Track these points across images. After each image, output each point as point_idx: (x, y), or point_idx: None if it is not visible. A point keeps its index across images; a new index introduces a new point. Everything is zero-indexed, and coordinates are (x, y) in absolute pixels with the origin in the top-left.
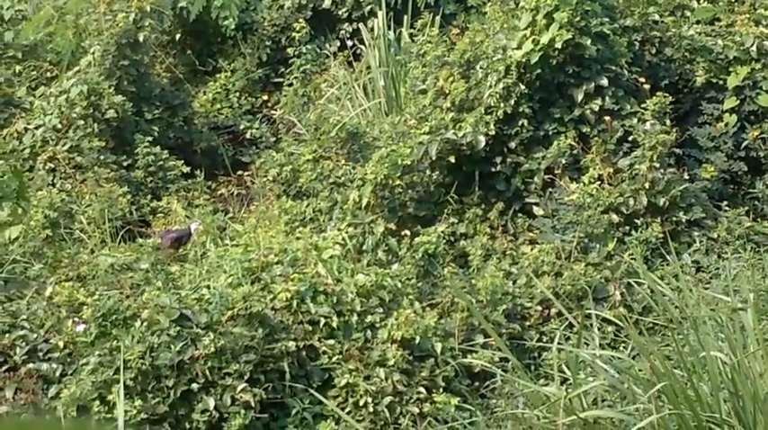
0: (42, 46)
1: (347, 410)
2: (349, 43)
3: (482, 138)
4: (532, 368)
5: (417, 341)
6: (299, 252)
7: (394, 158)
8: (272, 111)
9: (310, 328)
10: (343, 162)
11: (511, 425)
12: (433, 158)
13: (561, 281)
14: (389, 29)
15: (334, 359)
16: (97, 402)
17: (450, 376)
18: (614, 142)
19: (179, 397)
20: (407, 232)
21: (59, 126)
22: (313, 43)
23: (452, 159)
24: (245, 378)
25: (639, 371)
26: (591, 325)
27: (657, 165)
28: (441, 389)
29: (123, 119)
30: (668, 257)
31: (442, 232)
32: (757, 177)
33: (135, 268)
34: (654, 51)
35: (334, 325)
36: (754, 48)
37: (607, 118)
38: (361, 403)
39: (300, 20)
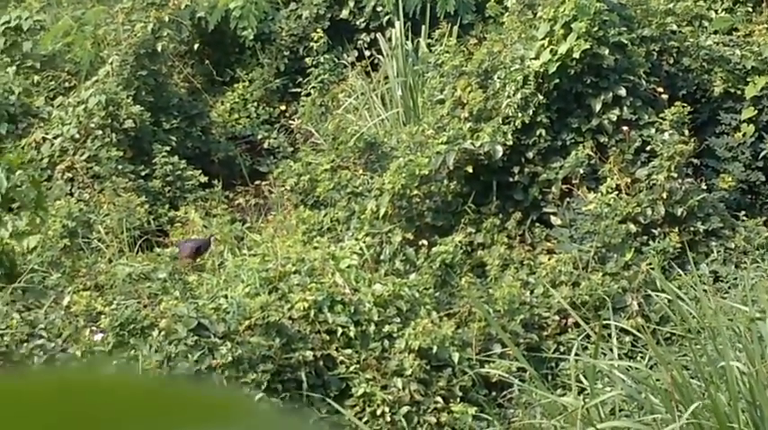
0: (61, 56)
1: (364, 420)
2: (367, 53)
3: (500, 148)
4: (550, 378)
5: (435, 351)
6: (317, 262)
7: (411, 168)
8: (290, 121)
9: (327, 338)
10: (360, 172)
11: None
12: (451, 168)
13: (579, 291)
14: (407, 39)
15: (351, 368)
16: None
17: (468, 386)
18: (632, 152)
19: None
20: (425, 242)
21: (77, 136)
22: (331, 53)
23: (470, 169)
24: (263, 387)
25: (657, 381)
26: (608, 335)
27: (675, 175)
28: (458, 399)
29: (141, 129)
30: (686, 267)
31: (460, 242)
32: None
33: (153, 277)
34: (672, 61)
35: (352, 334)
36: None
37: (625, 128)
38: (379, 412)
39: (318, 30)
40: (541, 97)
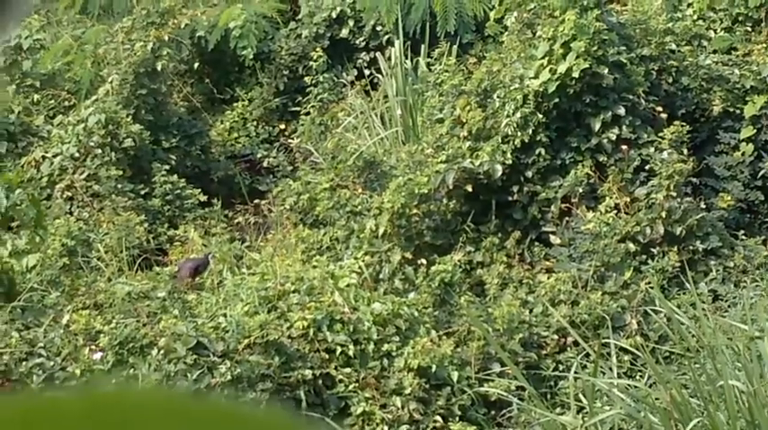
0: (60, 75)
1: None
2: (366, 72)
3: (499, 167)
4: (549, 397)
5: (434, 369)
6: (316, 280)
7: (411, 187)
8: (290, 140)
9: (327, 357)
10: (360, 191)
11: None
12: (450, 187)
13: (578, 309)
14: (407, 58)
15: (350, 387)
16: None
17: (467, 405)
18: (631, 171)
19: None
20: (424, 261)
21: (77, 154)
22: (330, 72)
23: (469, 188)
24: (262, 406)
25: (656, 399)
26: (608, 354)
27: (674, 194)
28: (457, 418)
29: (141, 147)
30: (685, 286)
31: (459, 261)
32: None
33: (152, 296)
34: (671, 80)
35: (351, 353)
36: None
37: (624, 147)
38: None
39: (318, 49)
40: (541, 116)
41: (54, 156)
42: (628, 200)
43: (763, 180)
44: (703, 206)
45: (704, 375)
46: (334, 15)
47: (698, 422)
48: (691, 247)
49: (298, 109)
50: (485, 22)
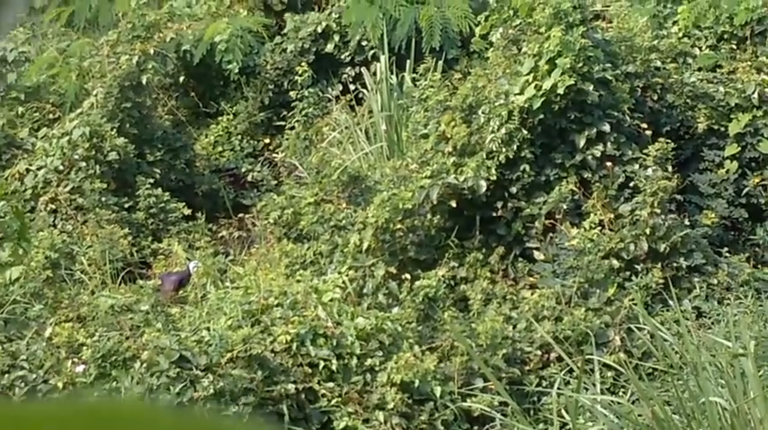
0: (45, 88)
1: None
2: (351, 87)
3: (483, 183)
4: (532, 412)
5: (417, 384)
6: (300, 295)
7: (395, 202)
8: (274, 155)
9: (310, 371)
10: (344, 205)
11: None
12: (435, 202)
13: (561, 325)
14: (392, 73)
15: (333, 402)
16: None
17: (450, 420)
18: (615, 188)
19: None
20: (408, 276)
21: (61, 167)
22: (315, 87)
23: (453, 203)
24: (244, 420)
25: (639, 416)
26: (591, 370)
27: (658, 210)
28: None
29: (125, 161)
30: (669, 303)
31: (443, 276)
32: (758, 224)
33: (135, 309)
34: (656, 98)
35: (334, 368)
36: (755, 95)
37: (608, 163)
38: None
39: (303, 63)
40: (525, 132)
41: (38, 169)
42: (612, 216)
43: (747, 197)
44: (687, 223)
45: (687, 392)
46: (319, 30)
47: None
48: (675, 264)
49: (282, 123)
50: (470, 37)
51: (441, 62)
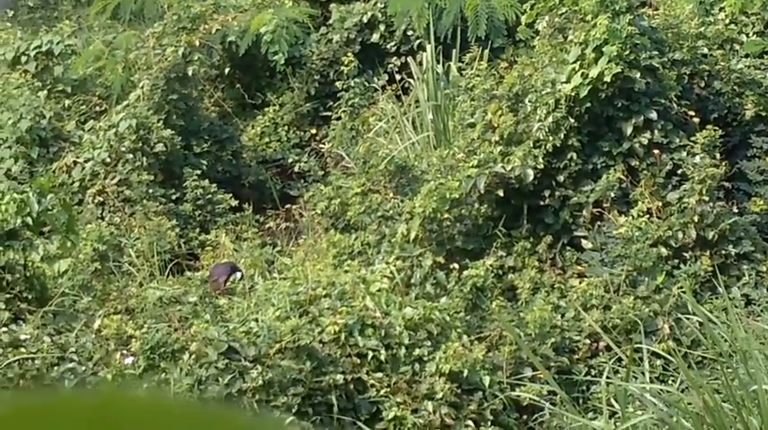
0: (92, 80)
1: None
2: (397, 77)
3: (530, 172)
4: (581, 402)
5: (465, 374)
6: (347, 285)
7: (442, 192)
8: (321, 145)
9: (358, 361)
10: (391, 195)
11: None
12: (482, 192)
13: (610, 314)
14: (438, 62)
15: (381, 392)
16: None
17: (499, 409)
18: (663, 175)
19: None
20: (456, 265)
21: (108, 160)
22: (361, 77)
23: (501, 193)
24: (293, 411)
25: (689, 404)
26: (640, 358)
27: (707, 198)
28: (489, 423)
29: (172, 152)
30: (717, 291)
31: (491, 265)
32: None
33: (183, 301)
34: (703, 85)
35: (382, 358)
36: None
37: (656, 151)
38: None
39: (349, 54)
40: (572, 121)
41: (85, 162)
42: (660, 204)
43: None
44: (736, 210)
45: (737, 380)
46: (365, 20)
47: (731, 427)
48: (723, 252)
49: (329, 114)
50: (516, 26)
51: (486, 51)
